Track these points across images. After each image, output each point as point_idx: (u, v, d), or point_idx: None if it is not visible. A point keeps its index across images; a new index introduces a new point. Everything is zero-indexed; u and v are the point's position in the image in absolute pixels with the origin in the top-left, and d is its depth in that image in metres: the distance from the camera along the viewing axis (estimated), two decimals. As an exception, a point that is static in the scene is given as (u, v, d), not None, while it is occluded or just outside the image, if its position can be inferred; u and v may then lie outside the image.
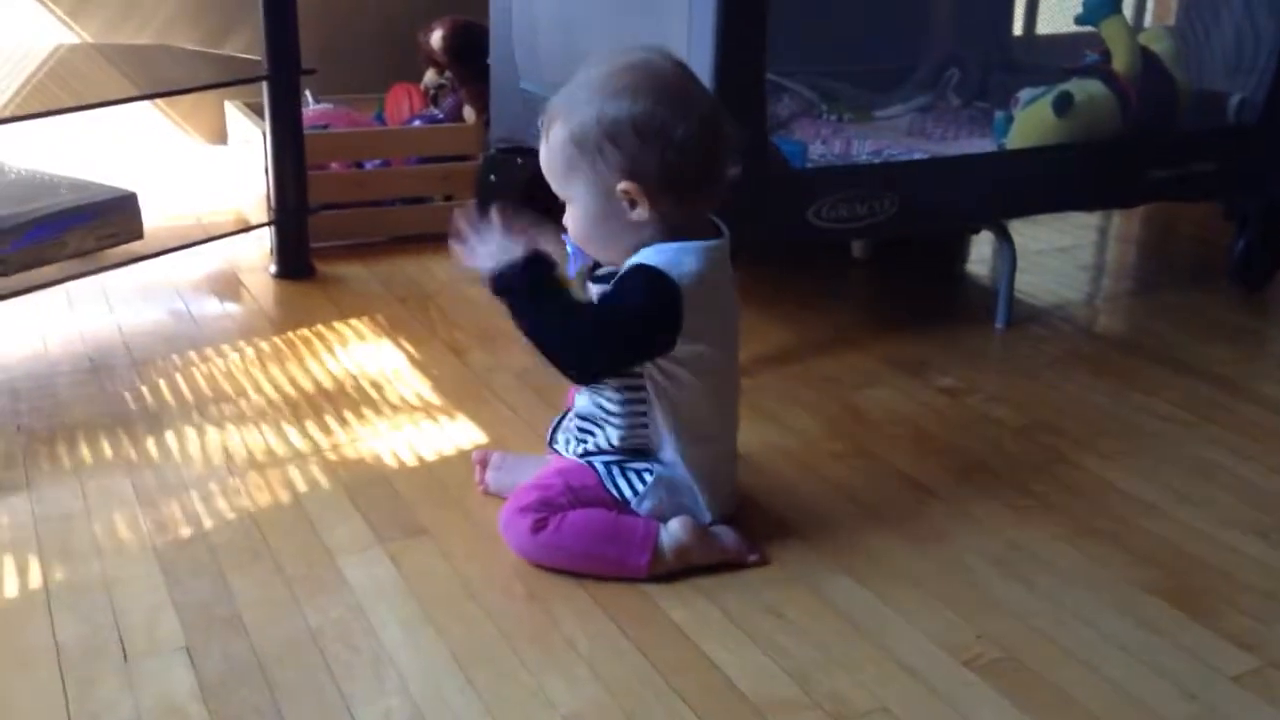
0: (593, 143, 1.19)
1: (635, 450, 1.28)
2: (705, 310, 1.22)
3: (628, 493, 1.27)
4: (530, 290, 1.23)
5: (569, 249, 1.28)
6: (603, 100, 1.18)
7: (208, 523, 1.32)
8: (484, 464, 1.41)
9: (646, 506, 1.27)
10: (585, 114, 1.19)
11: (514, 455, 1.41)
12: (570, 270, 1.30)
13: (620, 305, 1.22)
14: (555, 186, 1.25)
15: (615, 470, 1.28)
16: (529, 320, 1.23)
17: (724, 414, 1.32)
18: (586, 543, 1.24)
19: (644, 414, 1.26)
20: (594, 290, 1.28)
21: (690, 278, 1.20)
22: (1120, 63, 1.97)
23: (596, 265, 1.29)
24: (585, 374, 1.26)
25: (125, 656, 1.10)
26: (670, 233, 1.22)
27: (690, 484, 1.28)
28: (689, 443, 1.27)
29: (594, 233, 1.24)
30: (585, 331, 1.24)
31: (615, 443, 1.28)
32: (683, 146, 1.18)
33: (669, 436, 1.26)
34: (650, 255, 1.21)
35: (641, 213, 1.21)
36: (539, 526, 1.24)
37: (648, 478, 1.27)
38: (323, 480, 1.42)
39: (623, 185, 1.20)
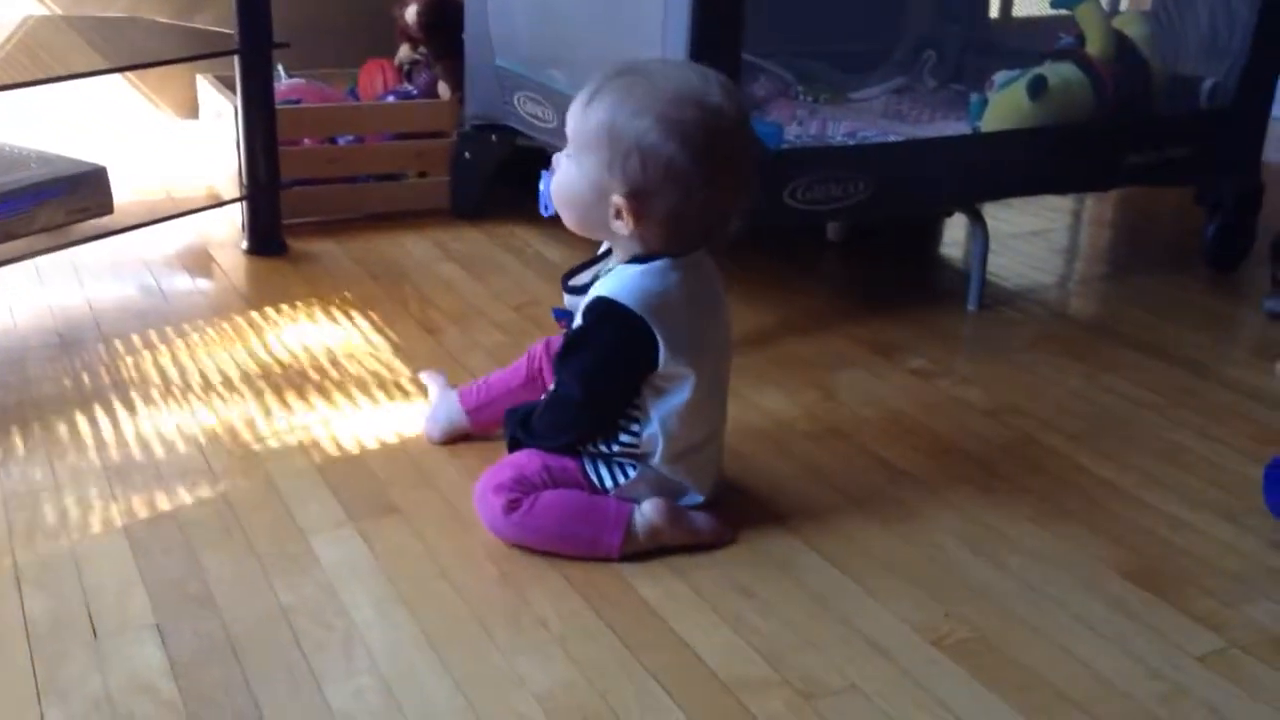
0: (622, 148, 1.17)
1: (624, 455, 1.27)
2: (682, 326, 1.21)
3: (608, 483, 1.27)
4: (526, 430, 1.30)
5: (542, 187, 1.27)
6: (656, 121, 1.16)
7: (178, 500, 1.32)
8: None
9: (625, 496, 1.27)
10: (633, 120, 1.16)
11: (443, 389, 1.48)
12: (540, 204, 1.29)
13: (587, 363, 1.24)
14: (569, 146, 1.23)
15: (599, 461, 1.28)
16: (544, 440, 1.29)
17: (714, 418, 1.31)
18: (559, 522, 1.24)
19: (636, 423, 1.25)
20: (569, 301, 1.28)
21: (658, 298, 1.21)
22: (1095, 47, 1.98)
23: (570, 273, 1.29)
24: (603, 427, 1.26)
25: (95, 633, 1.10)
26: (645, 252, 1.23)
27: (676, 482, 1.28)
28: (679, 454, 1.26)
29: (573, 209, 1.25)
30: (577, 406, 1.26)
31: (604, 448, 1.27)
32: (699, 204, 1.18)
33: (660, 445, 1.25)
34: (613, 284, 1.21)
35: (622, 227, 1.20)
36: (512, 507, 1.23)
37: (630, 473, 1.27)
38: (294, 458, 1.42)
39: (618, 199, 1.19)
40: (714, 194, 1.19)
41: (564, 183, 1.24)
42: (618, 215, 1.20)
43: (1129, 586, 1.24)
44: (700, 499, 1.29)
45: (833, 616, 1.17)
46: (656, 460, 1.26)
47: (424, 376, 1.56)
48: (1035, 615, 1.19)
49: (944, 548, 1.30)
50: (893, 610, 1.18)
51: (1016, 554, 1.29)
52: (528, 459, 1.28)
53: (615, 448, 1.26)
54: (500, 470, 1.27)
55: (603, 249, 1.31)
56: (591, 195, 1.21)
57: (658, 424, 1.24)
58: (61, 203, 1.87)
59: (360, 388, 1.60)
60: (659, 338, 1.20)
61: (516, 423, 1.32)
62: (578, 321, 1.26)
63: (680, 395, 1.23)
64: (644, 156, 1.17)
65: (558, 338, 1.43)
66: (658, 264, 1.22)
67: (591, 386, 1.24)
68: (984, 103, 1.99)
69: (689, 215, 1.20)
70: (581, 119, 1.21)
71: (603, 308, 1.21)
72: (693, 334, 1.23)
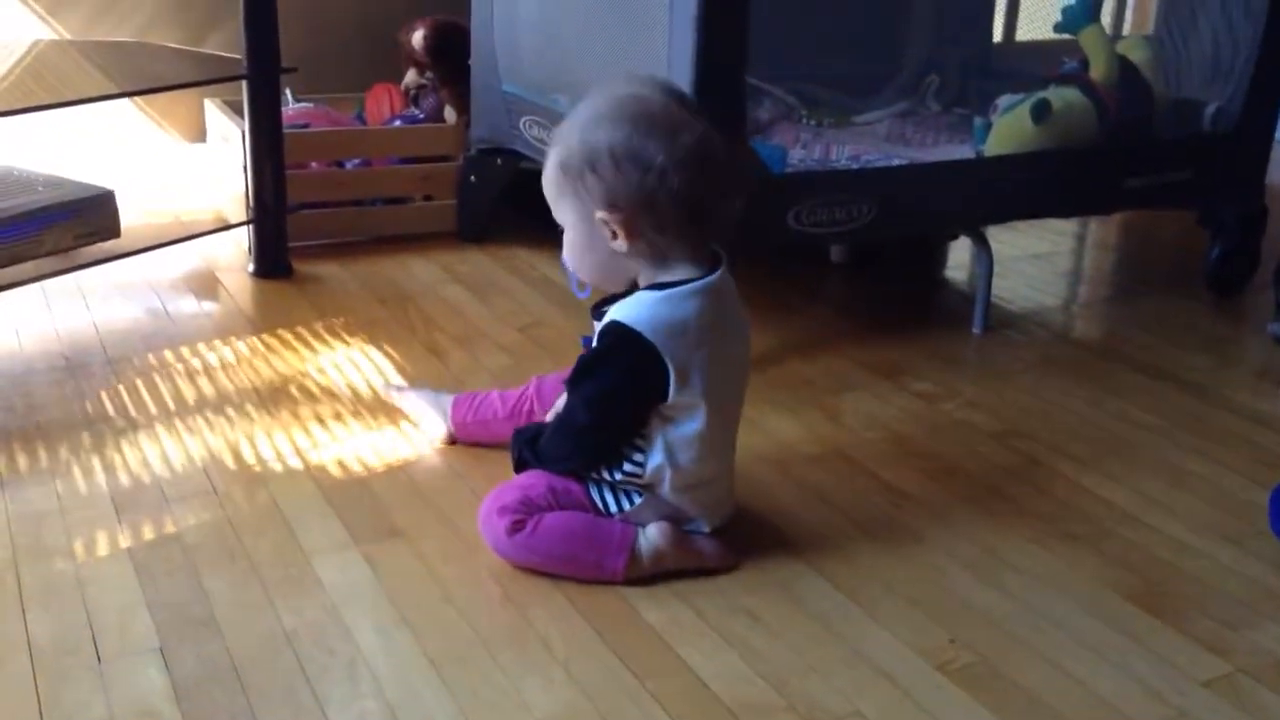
0: (575, 170, 1.19)
1: (628, 485, 1.27)
2: (696, 357, 1.21)
3: (613, 509, 1.27)
4: (533, 451, 1.30)
5: (568, 270, 1.29)
6: (585, 128, 1.19)
7: (182, 523, 1.32)
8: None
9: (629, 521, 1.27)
10: (570, 141, 1.20)
11: (424, 392, 1.56)
12: (572, 287, 1.32)
13: (596, 389, 1.24)
14: (554, 212, 1.26)
15: (604, 487, 1.28)
16: (550, 463, 1.29)
17: (725, 450, 1.31)
18: (563, 545, 1.24)
19: (640, 452, 1.25)
20: (597, 328, 1.28)
21: (674, 327, 1.20)
22: (1098, 71, 1.98)
23: (600, 304, 1.29)
24: (609, 454, 1.26)
25: (98, 657, 1.10)
26: (658, 263, 1.22)
27: (683, 511, 1.28)
28: (686, 487, 1.26)
29: (583, 259, 1.26)
30: (583, 431, 1.25)
31: (608, 476, 1.27)
32: (662, 174, 1.17)
33: (666, 477, 1.25)
34: (630, 309, 1.21)
35: (621, 244, 1.20)
36: (516, 528, 1.23)
37: (636, 500, 1.27)
38: (299, 481, 1.42)
39: (600, 214, 1.20)
40: (670, 160, 1.16)
41: (567, 248, 1.26)
42: (613, 236, 1.20)
43: (1133, 610, 1.24)
44: (707, 529, 1.29)
45: (837, 640, 1.17)
46: (663, 491, 1.25)
47: (398, 396, 1.59)
48: (1039, 639, 1.18)
49: (948, 571, 1.29)
50: (897, 634, 1.18)
51: (1020, 577, 1.29)
52: (533, 480, 1.28)
53: (619, 476, 1.26)
54: (505, 491, 1.27)
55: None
56: (585, 231, 1.23)
57: (664, 455, 1.23)
58: (69, 226, 1.88)
59: (365, 410, 1.60)
60: (670, 368, 1.20)
61: (524, 443, 1.32)
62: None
63: (689, 427, 1.23)
64: (592, 163, 1.18)
65: (551, 380, 1.44)
66: (677, 290, 1.21)
67: (598, 412, 1.24)
68: (988, 126, 1.99)
69: (663, 194, 1.17)
70: (545, 183, 1.25)
71: (616, 332, 1.21)
72: (706, 366, 1.22)
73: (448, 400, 1.52)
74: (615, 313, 1.22)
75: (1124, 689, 1.12)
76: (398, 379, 1.69)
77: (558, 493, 1.27)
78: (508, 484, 1.29)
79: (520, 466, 1.31)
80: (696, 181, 1.18)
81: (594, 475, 1.27)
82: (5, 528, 1.30)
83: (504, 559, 1.26)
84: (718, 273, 1.24)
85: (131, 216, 2.08)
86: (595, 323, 1.28)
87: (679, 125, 1.18)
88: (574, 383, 1.27)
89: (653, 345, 1.19)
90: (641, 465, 1.25)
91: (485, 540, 1.27)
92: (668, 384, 1.20)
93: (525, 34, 2.04)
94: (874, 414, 1.66)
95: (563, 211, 1.24)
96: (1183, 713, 1.09)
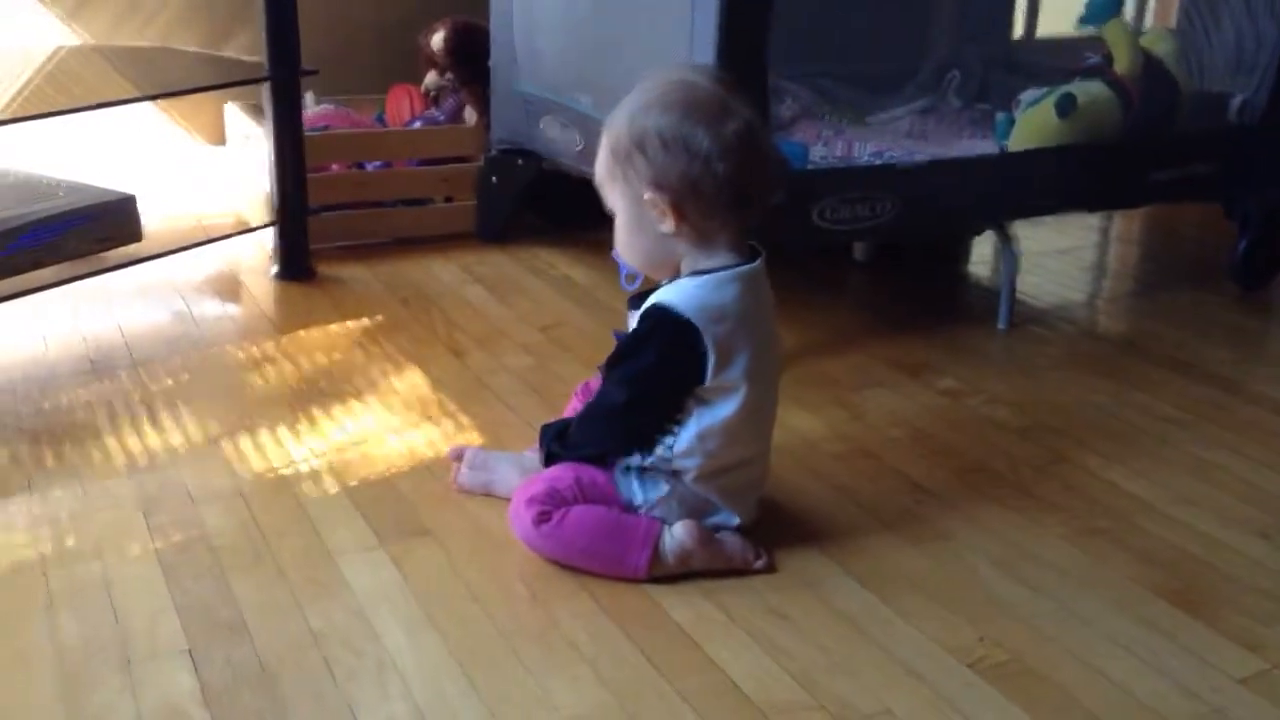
0: (624, 153, 1.21)
1: (656, 469, 1.27)
2: (735, 342, 1.21)
3: (638, 498, 1.27)
4: (563, 444, 1.31)
5: (619, 262, 1.30)
6: (634, 112, 1.21)
7: (209, 525, 1.32)
8: (460, 459, 1.41)
9: (656, 515, 1.27)
10: (620, 126, 1.22)
11: (490, 452, 1.42)
12: (621, 280, 1.32)
13: (635, 368, 1.24)
14: (604, 199, 1.28)
15: (632, 475, 1.28)
16: (581, 449, 1.30)
17: (758, 439, 1.30)
18: (587, 538, 1.24)
19: (671, 435, 1.25)
20: (631, 318, 1.29)
21: (714, 311, 1.21)
22: (1122, 64, 1.97)
23: (636, 295, 1.29)
24: (641, 437, 1.26)
25: (127, 659, 1.10)
26: (702, 248, 1.23)
27: (714, 502, 1.28)
28: (712, 473, 1.26)
29: (631, 243, 1.27)
30: (618, 411, 1.26)
31: (636, 460, 1.27)
32: (708, 159, 1.18)
33: (693, 462, 1.24)
34: (671, 292, 1.22)
35: (668, 226, 1.22)
36: (542, 519, 1.24)
37: (663, 488, 1.27)
38: (324, 482, 1.42)
39: (648, 195, 1.21)
40: (716, 145, 1.18)
41: (617, 229, 1.27)
42: (661, 217, 1.21)
43: (1164, 606, 1.23)
44: (736, 521, 1.29)
45: (865, 639, 1.16)
46: (689, 477, 1.25)
47: (454, 450, 1.44)
48: (1070, 636, 1.17)
49: (975, 568, 1.29)
50: (925, 632, 1.17)
51: (1049, 573, 1.28)
52: (561, 473, 1.28)
53: (649, 459, 1.26)
54: (533, 483, 1.28)
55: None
56: (633, 214, 1.24)
57: (695, 439, 1.24)
58: (89, 231, 1.89)
59: (388, 411, 1.60)
60: (710, 352, 1.20)
61: (552, 436, 1.32)
62: (632, 326, 1.27)
63: (722, 411, 1.23)
64: (640, 145, 1.20)
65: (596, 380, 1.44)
66: (716, 276, 1.22)
67: (636, 392, 1.25)
68: (1011, 122, 1.98)
69: (709, 178, 1.19)
70: (597, 170, 1.27)
71: (658, 314, 1.22)
72: (743, 352, 1.22)
73: (532, 458, 1.38)
74: (657, 297, 1.23)
75: (1158, 687, 1.11)
76: (422, 381, 1.69)
77: (584, 485, 1.27)
78: (536, 476, 1.30)
79: (549, 460, 1.31)
80: (742, 168, 1.20)
81: (622, 461, 1.27)
82: (33, 530, 1.30)
83: (531, 550, 1.26)
84: (758, 261, 1.25)
85: (154, 220, 2.09)
86: (631, 313, 1.29)
87: (726, 113, 1.20)
88: (612, 364, 1.28)
89: (695, 326, 1.20)
90: (671, 449, 1.25)
91: (514, 531, 1.27)
92: (706, 366, 1.21)
93: (545, 34, 2.04)
94: (898, 411, 1.65)
95: (613, 196, 1.26)
96: (1220, 711, 1.08)
